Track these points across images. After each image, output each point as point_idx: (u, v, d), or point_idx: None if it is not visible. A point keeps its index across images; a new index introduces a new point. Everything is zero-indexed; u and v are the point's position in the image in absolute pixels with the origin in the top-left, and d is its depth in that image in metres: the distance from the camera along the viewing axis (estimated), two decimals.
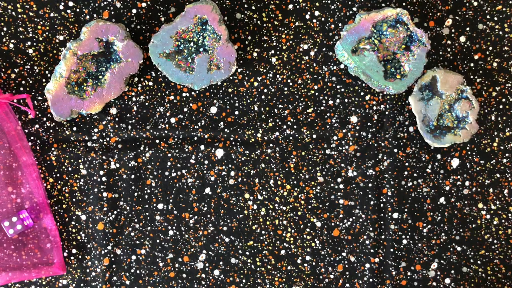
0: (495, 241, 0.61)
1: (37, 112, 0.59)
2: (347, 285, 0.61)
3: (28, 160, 0.58)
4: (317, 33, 0.59)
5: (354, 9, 0.59)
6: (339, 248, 0.61)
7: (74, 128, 0.59)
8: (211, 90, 0.60)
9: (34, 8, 0.58)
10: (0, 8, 0.58)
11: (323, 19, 0.59)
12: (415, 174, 0.60)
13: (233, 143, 0.60)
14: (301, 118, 0.60)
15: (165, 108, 0.59)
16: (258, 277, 0.61)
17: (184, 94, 0.59)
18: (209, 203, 0.60)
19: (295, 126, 0.60)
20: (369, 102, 0.60)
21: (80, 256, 0.60)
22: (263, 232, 0.60)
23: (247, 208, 0.60)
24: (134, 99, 0.59)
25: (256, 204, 0.60)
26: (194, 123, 0.60)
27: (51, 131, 0.59)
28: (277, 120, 0.60)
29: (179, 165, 0.60)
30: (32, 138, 0.59)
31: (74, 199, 0.60)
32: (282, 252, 0.61)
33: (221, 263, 0.61)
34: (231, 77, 0.59)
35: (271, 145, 0.60)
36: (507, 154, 0.60)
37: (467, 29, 0.59)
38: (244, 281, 0.61)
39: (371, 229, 0.61)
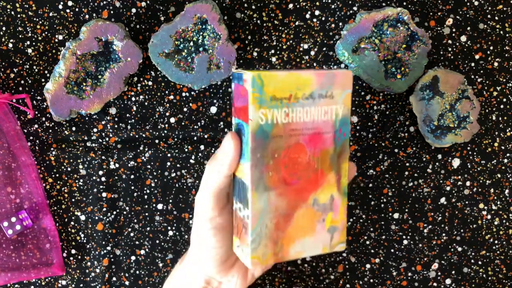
0: (496, 242, 0.61)
1: (36, 112, 0.59)
2: (348, 285, 0.61)
3: (27, 160, 0.58)
4: (317, 32, 0.59)
5: (355, 8, 0.59)
6: None
7: (73, 128, 0.59)
8: (211, 90, 0.59)
9: (33, 8, 0.58)
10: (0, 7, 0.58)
11: (323, 18, 0.59)
12: (415, 174, 0.60)
13: None
14: None
15: (164, 108, 0.59)
16: (258, 278, 0.61)
17: (183, 94, 0.59)
18: None
19: None
20: (369, 102, 0.60)
21: (79, 257, 0.60)
22: None
23: None
24: (133, 99, 0.59)
25: None
26: (194, 123, 0.59)
27: (50, 131, 0.59)
28: None
29: (178, 165, 0.60)
30: (31, 138, 0.59)
31: (73, 199, 0.60)
32: None
33: None
34: (231, 77, 0.59)
35: None
36: (508, 154, 0.60)
37: (468, 28, 0.59)
38: None
39: (371, 229, 0.60)
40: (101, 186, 0.60)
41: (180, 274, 0.52)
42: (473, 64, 0.59)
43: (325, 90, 0.43)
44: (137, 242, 0.60)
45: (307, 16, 0.59)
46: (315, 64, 0.59)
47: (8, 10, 0.58)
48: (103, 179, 0.60)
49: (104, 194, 0.60)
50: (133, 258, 0.60)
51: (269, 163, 0.42)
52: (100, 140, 0.59)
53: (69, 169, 0.59)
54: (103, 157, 0.59)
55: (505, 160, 0.60)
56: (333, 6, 0.59)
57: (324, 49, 0.59)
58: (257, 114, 0.41)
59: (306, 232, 0.44)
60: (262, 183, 0.42)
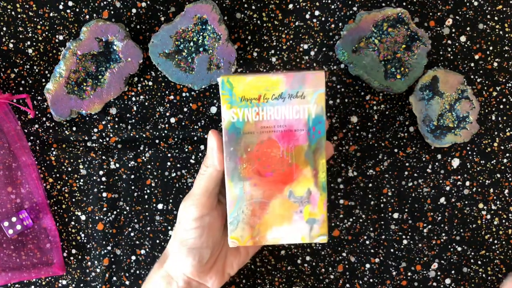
0: (496, 241, 0.61)
1: (37, 112, 0.59)
2: (347, 285, 0.61)
3: (28, 160, 0.58)
4: (317, 33, 0.59)
5: (355, 8, 0.59)
6: (339, 248, 0.61)
7: (74, 128, 0.59)
8: (211, 90, 0.59)
9: (33, 8, 0.58)
10: (0, 8, 0.58)
11: (323, 18, 0.59)
12: (415, 174, 0.60)
13: None
14: None
15: (165, 108, 0.59)
16: (258, 277, 0.61)
17: (184, 94, 0.59)
18: None
19: None
20: (369, 102, 0.60)
21: (79, 257, 0.60)
22: None
23: None
24: (134, 99, 0.59)
25: None
26: (194, 123, 0.60)
27: (50, 131, 0.59)
28: None
29: (179, 165, 0.60)
30: (31, 138, 0.59)
31: (73, 199, 0.60)
32: (282, 252, 0.61)
33: None
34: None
35: None
36: (507, 154, 0.60)
37: (468, 29, 0.59)
38: (244, 281, 0.61)
39: (371, 229, 0.60)
40: (101, 186, 0.60)
41: (159, 276, 0.52)
42: (472, 64, 0.59)
43: (295, 91, 0.46)
44: (137, 242, 0.60)
45: (307, 16, 0.59)
46: (315, 64, 0.59)
47: (9, 10, 0.58)
48: (103, 179, 0.60)
49: (104, 194, 0.60)
50: (133, 258, 0.60)
51: (242, 156, 0.47)
52: (101, 140, 0.59)
53: (69, 169, 0.59)
54: (103, 157, 0.59)
55: (505, 160, 0.60)
56: (333, 6, 0.59)
57: (324, 49, 0.59)
58: (229, 113, 0.46)
59: (283, 221, 0.48)
60: (237, 173, 0.47)
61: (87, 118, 0.59)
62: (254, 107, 0.46)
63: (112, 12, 0.58)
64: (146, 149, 0.60)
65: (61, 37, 0.58)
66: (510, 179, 0.60)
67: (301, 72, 0.46)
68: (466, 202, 0.60)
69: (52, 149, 0.59)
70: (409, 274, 0.61)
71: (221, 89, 0.46)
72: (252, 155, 0.47)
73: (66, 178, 0.60)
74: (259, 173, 0.47)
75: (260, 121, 0.46)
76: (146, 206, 0.60)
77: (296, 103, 0.46)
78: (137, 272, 0.61)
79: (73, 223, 0.60)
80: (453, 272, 0.61)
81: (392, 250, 0.61)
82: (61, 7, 0.58)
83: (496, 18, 0.59)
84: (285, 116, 0.46)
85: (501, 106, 0.60)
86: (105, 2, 0.58)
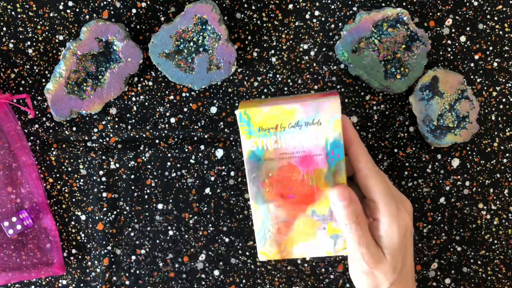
0: (495, 241, 0.61)
1: (37, 112, 0.59)
2: (348, 285, 0.61)
3: (28, 160, 0.58)
4: (317, 33, 0.59)
5: (354, 9, 0.59)
6: None
7: (74, 128, 0.59)
8: (211, 90, 0.59)
9: (33, 8, 0.58)
10: (0, 8, 0.58)
11: (323, 19, 0.59)
12: (415, 174, 0.60)
13: (233, 143, 0.60)
14: None
15: (165, 108, 0.59)
16: (258, 277, 0.61)
17: (184, 94, 0.59)
18: (209, 203, 0.60)
19: None
20: (369, 102, 0.60)
21: (79, 256, 0.60)
22: None
23: (247, 208, 0.60)
24: (134, 99, 0.59)
25: None
26: (194, 123, 0.60)
27: (50, 131, 0.59)
28: None
29: (179, 165, 0.60)
30: (31, 138, 0.59)
31: (73, 199, 0.60)
32: None
33: (221, 263, 0.61)
34: (231, 77, 0.59)
35: None
36: (507, 154, 0.60)
37: (468, 29, 0.59)
38: (244, 281, 0.61)
39: None
40: (101, 186, 0.60)
41: None
42: (472, 64, 0.59)
43: (311, 118, 0.46)
44: (137, 242, 0.60)
45: (307, 16, 0.59)
46: (314, 65, 0.59)
47: (9, 10, 0.58)
48: (103, 179, 0.60)
49: (104, 194, 0.60)
50: (133, 257, 0.60)
51: (264, 181, 0.48)
52: (101, 140, 0.59)
53: (69, 169, 0.59)
54: (103, 157, 0.59)
55: (505, 160, 0.60)
56: (333, 7, 0.59)
57: (324, 49, 0.59)
58: (248, 143, 0.47)
59: (308, 237, 0.49)
60: (260, 196, 0.48)
61: (87, 118, 0.59)
62: (272, 135, 0.47)
63: (112, 12, 0.58)
64: (146, 149, 0.60)
65: (61, 37, 0.58)
66: (510, 179, 0.60)
67: (315, 100, 0.46)
68: (466, 202, 0.61)
69: (52, 149, 0.59)
70: None
71: (239, 121, 0.47)
72: (274, 179, 0.48)
73: (66, 178, 0.60)
74: (281, 196, 0.48)
75: (279, 148, 0.47)
76: (146, 206, 0.60)
77: (313, 130, 0.47)
78: (137, 272, 0.61)
79: (73, 223, 0.60)
80: (453, 272, 0.61)
81: None
82: (61, 7, 0.58)
83: (496, 18, 0.59)
84: (303, 142, 0.47)
85: (501, 106, 0.60)
86: (105, 2, 0.58)
